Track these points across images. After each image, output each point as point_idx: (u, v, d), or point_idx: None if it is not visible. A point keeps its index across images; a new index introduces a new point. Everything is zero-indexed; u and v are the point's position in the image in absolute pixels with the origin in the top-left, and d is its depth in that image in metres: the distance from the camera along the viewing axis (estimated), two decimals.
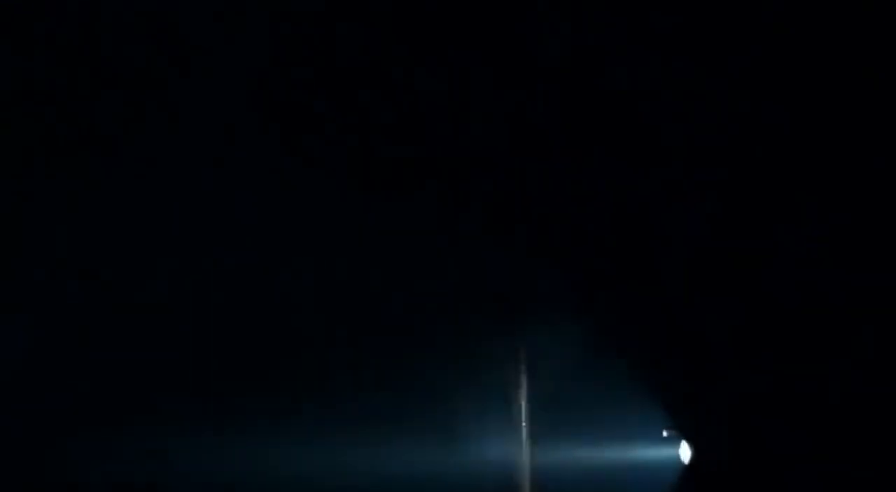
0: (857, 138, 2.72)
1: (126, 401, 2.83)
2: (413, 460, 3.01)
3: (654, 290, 3.19)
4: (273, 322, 3.06)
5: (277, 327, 3.06)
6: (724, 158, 3.03)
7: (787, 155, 2.89)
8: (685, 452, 2.98)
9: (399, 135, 3.09)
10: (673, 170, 3.14)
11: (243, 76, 2.81)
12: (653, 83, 3.05)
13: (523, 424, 3.13)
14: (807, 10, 2.78)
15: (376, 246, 3.14)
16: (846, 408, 2.74)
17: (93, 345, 2.78)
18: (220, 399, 2.87)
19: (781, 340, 2.93)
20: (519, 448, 3.09)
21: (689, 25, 2.93)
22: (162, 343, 2.88)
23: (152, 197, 2.76)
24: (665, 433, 3.04)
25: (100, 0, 2.65)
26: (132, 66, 2.65)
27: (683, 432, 3.00)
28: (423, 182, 3.19)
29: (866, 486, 2.64)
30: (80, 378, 2.78)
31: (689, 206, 3.12)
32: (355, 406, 2.99)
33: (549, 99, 3.20)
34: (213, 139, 2.77)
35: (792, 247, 2.89)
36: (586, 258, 3.29)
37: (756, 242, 2.97)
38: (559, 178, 3.36)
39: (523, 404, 3.16)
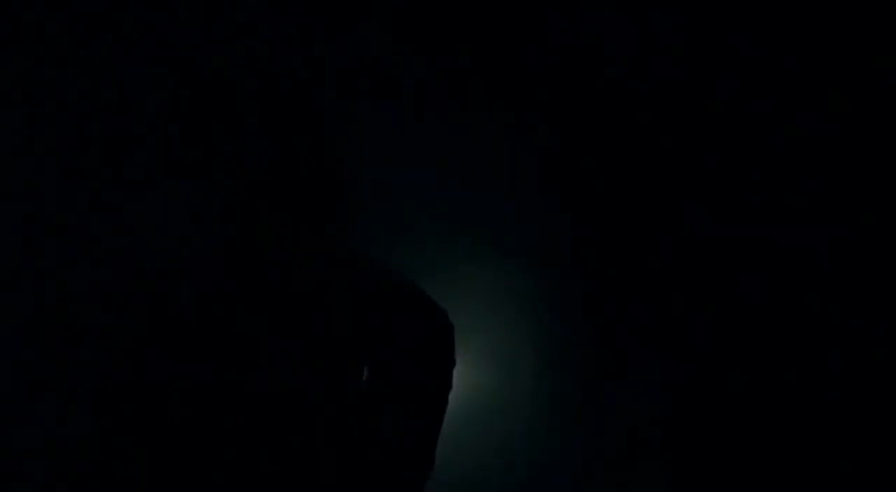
0: (857, 138, 2.72)
1: None
2: None
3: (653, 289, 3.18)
4: None
5: None
6: (724, 157, 3.03)
7: (788, 155, 2.89)
8: None
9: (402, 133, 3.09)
10: (673, 170, 3.13)
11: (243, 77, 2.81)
12: (653, 83, 3.04)
13: None
14: (807, 10, 2.78)
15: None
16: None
17: None
18: None
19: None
20: None
21: (688, 25, 2.93)
22: None
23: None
24: None
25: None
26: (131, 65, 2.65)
27: None
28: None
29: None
30: None
31: (691, 205, 3.12)
32: None
33: (550, 99, 3.19)
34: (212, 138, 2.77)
35: (792, 248, 2.89)
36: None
37: (756, 242, 2.97)
38: (560, 178, 3.34)
39: None
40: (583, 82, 3.03)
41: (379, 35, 2.87)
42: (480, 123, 2.99)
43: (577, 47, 3.00)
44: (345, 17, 2.83)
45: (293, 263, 1.51)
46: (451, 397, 1.69)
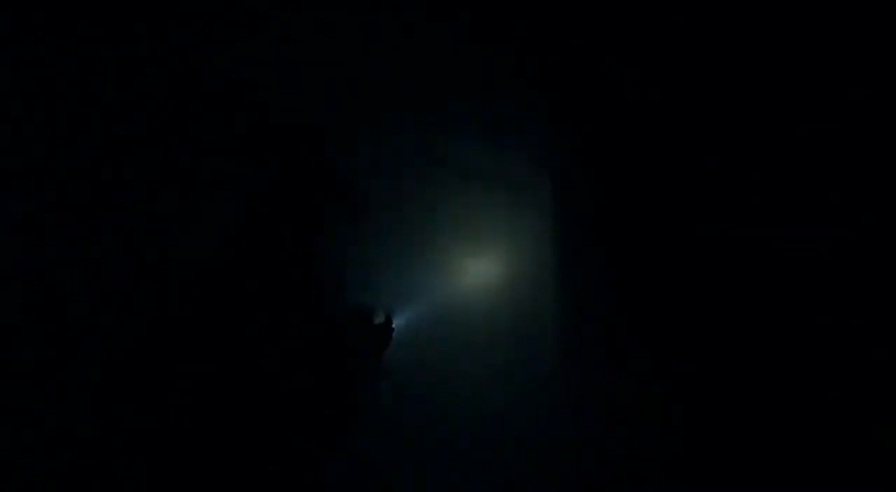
0: (856, 138, 2.72)
1: None
2: None
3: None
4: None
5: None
6: (724, 156, 3.03)
7: (788, 155, 2.90)
8: None
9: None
10: (674, 169, 3.14)
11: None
12: (655, 84, 3.05)
13: None
14: (807, 10, 2.78)
15: None
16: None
17: None
18: None
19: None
20: None
21: (688, 26, 2.94)
22: None
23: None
24: None
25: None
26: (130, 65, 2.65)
27: None
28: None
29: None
30: None
31: (693, 204, 3.12)
32: None
33: (551, 99, 3.20)
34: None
35: (792, 247, 2.89)
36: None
37: (756, 240, 2.97)
38: (566, 177, 3.35)
39: None
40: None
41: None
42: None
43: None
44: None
45: (288, 267, 1.52)
46: None
